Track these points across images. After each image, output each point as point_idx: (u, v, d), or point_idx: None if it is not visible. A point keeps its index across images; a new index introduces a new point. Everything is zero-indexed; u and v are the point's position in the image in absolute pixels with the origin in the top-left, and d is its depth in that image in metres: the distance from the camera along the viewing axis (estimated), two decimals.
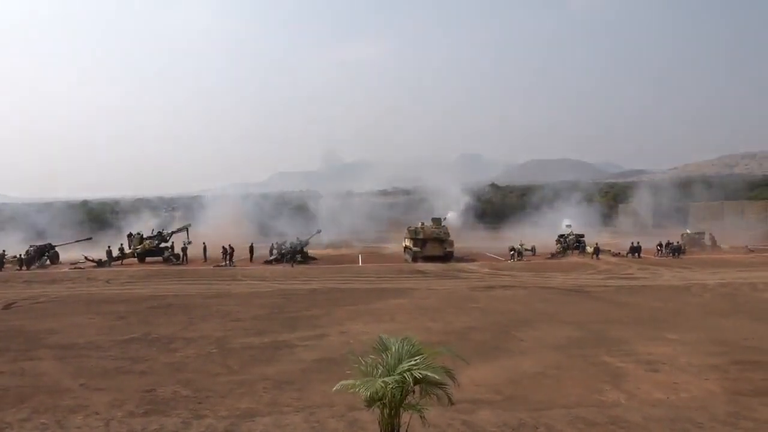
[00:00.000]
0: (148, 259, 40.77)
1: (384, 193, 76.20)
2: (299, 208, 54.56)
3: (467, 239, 44.69)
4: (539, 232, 46.56)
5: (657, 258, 38.82)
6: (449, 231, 39.56)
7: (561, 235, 43.07)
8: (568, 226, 44.16)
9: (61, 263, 40.50)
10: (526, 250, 40.53)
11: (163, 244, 41.37)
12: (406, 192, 73.11)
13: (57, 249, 41.65)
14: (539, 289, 26.45)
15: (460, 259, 38.72)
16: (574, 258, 39.51)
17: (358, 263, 38.35)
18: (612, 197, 70.26)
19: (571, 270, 33.31)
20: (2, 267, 38.62)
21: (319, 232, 41.59)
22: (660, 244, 40.08)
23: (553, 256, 40.09)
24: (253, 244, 40.40)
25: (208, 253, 40.14)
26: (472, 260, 38.69)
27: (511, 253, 39.18)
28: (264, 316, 20.78)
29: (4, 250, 39.78)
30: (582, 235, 42.28)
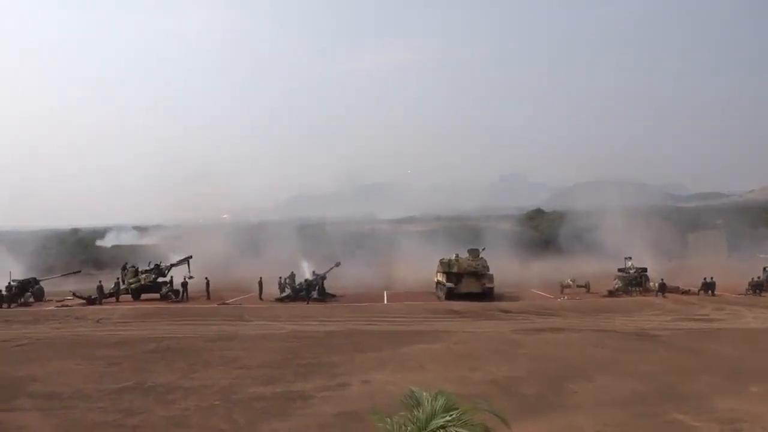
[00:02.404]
0: (144, 295, 40.78)
1: (411, 219, 75.92)
2: (317, 236, 54.40)
3: (509, 273, 43.88)
4: (593, 265, 45.80)
5: (736, 296, 37.88)
6: (488, 264, 39.00)
7: (620, 269, 42.31)
8: (628, 258, 43.29)
9: (46, 300, 40.70)
10: (579, 286, 39.90)
11: (161, 279, 41.40)
12: (438, 218, 72.57)
13: (42, 284, 41.86)
14: (595, 332, 26.04)
15: (502, 297, 38.13)
16: (635, 296, 38.87)
17: (383, 301, 38.16)
18: (681, 223, 68.79)
19: (633, 310, 32.80)
20: None
21: (338, 265, 41.38)
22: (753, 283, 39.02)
23: (610, 293, 39.43)
24: (262, 279, 40.31)
25: (211, 289, 40.46)
26: (516, 298, 38.14)
27: (564, 288, 38.46)
28: (275, 362, 20.73)
29: None
30: (644, 269, 41.52)
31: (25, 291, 40.27)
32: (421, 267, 43.60)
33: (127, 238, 62.91)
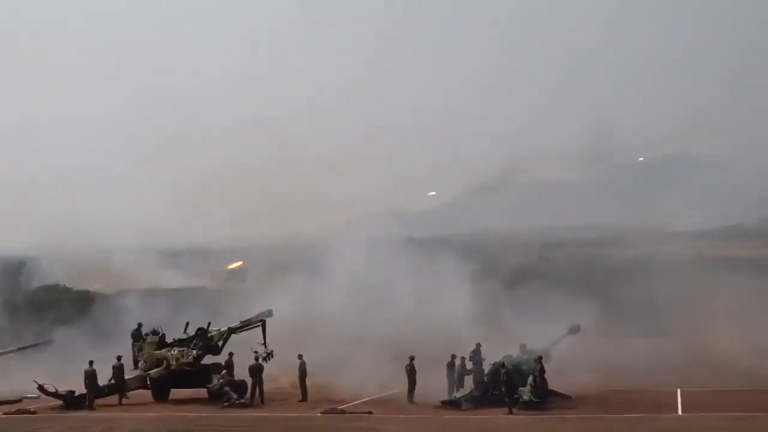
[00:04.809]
0: (176, 391, 31.08)
1: (732, 232, 61.11)
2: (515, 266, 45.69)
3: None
4: None
5: None
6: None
7: None
8: None
9: None
10: None
11: (207, 358, 31.68)
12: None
13: None
14: None
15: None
16: None
17: (675, 409, 26.76)
18: None
19: None
20: None
21: (575, 331, 29.28)
22: None
23: None
24: (413, 362, 28.64)
25: (310, 378, 30.46)
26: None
27: None
28: None
29: None
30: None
31: None
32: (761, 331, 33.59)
33: (145, 275, 50.26)
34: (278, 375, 31.81)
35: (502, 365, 26.63)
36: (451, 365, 27.87)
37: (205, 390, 30.10)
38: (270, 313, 31.73)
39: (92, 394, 29.22)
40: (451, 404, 27.12)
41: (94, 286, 51.19)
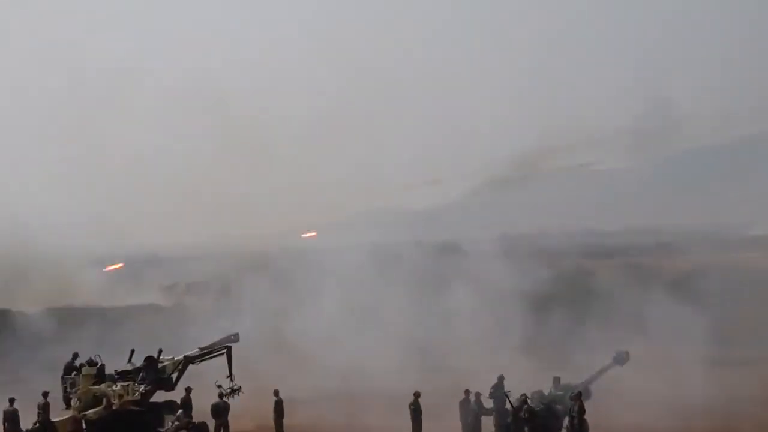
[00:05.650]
0: None
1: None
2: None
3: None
4: None
5: None
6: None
7: None
8: None
9: None
10: None
11: (158, 394, 28.93)
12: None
13: None
14: None
15: None
16: None
17: None
18: None
19: None
20: None
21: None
22: None
23: None
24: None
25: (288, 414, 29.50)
26: None
27: None
28: None
29: None
30: None
31: None
32: None
33: (78, 288, 47.94)
34: (247, 414, 29.75)
35: (525, 401, 24.50)
36: (465, 403, 26.17)
37: None
38: (237, 338, 28.95)
39: None
40: None
41: (13, 304, 47.16)
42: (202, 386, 28.43)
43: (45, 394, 28.56)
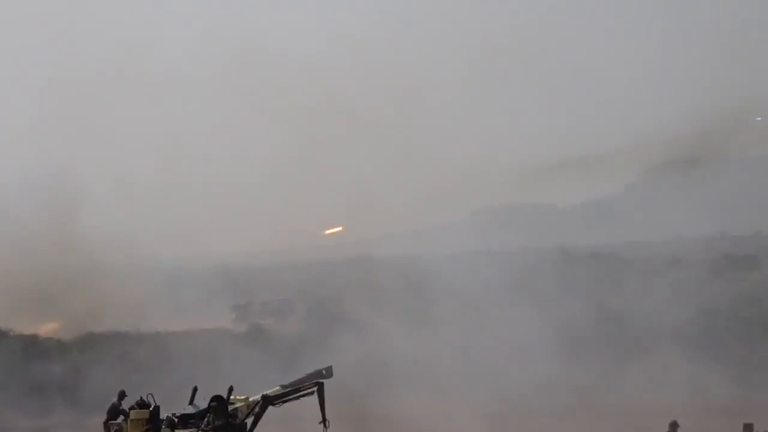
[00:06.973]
0: None
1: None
2: None
3: None
4: None
5: None
6: None
7: None
8: None
9: None
10: None
11: None
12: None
13: None
14: None
15: None
16: None
17: None
18: None
19: None
20: None
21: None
22: None
23: None
24: None
25: None
26: None
27: None
28: None
29: None
30: None
31: None
32: None
33: (125, 310, 42.77)
34: None
35: None
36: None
37: None
38: (330, 372, 25.01)
39: None
40: None
41: (44, 328, 43.98)
42: None
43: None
